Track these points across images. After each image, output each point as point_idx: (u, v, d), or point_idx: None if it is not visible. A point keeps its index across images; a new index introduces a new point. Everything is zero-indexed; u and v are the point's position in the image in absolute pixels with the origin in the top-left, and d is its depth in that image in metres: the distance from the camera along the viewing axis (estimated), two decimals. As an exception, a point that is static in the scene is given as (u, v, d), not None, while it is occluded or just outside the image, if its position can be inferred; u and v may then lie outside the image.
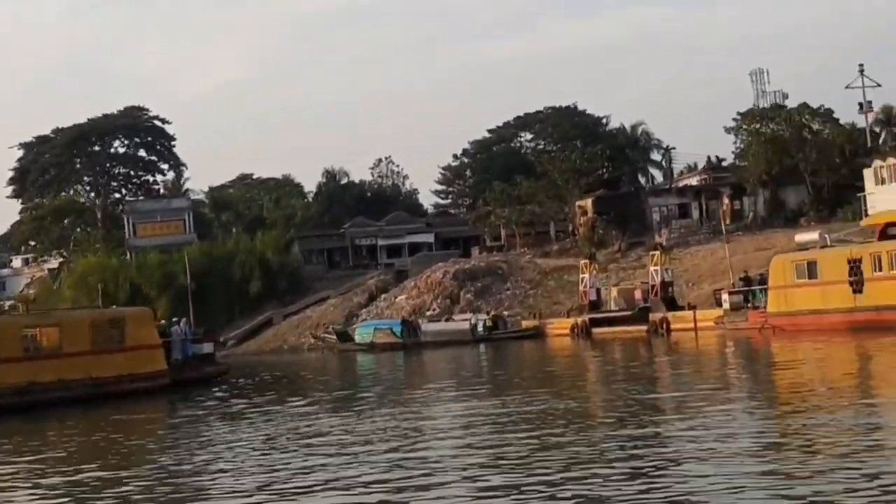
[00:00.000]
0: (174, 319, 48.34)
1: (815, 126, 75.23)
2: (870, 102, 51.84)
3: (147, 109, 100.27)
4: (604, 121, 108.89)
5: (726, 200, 78.00)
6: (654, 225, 77.28)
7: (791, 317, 45.19)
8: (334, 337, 66.78)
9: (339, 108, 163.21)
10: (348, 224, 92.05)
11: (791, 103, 79.03)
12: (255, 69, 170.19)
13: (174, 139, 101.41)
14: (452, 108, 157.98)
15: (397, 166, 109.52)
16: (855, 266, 42.71)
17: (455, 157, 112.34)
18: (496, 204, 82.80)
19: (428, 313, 74.46)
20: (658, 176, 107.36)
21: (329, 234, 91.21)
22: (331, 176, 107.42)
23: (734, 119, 78.80)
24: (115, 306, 54.29)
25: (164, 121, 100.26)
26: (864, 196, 44.88)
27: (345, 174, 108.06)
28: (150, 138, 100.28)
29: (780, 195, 76.17)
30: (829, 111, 74.92)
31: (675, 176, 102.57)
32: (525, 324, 65.44)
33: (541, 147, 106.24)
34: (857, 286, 42.61)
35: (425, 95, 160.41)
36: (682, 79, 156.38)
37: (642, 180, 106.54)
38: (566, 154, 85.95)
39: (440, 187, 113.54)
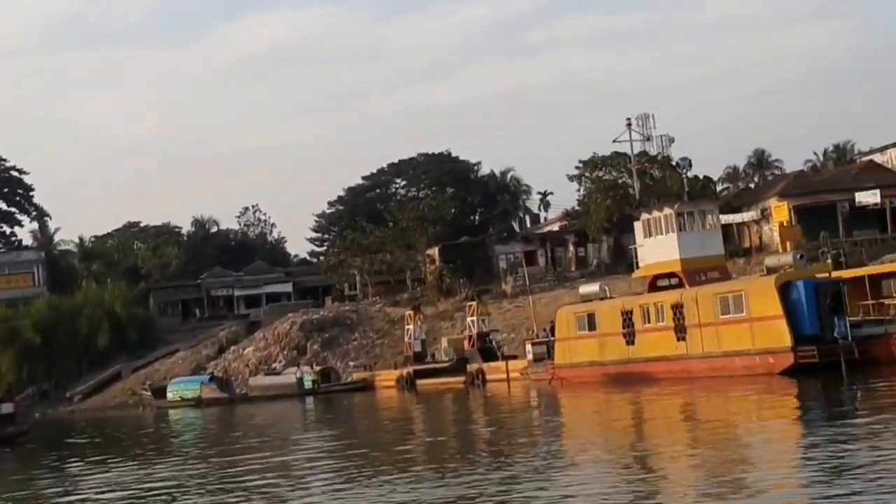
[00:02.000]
0: (-31, 382, 47.51)
1: (656, 173, 76.02)
2: (636, 155, 52.73)
3: (4, 160, 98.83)
4: (475, 167, 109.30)
5: (571, 247, 78.59)
6: (500, 273, 77.48)
7: (574, 368, 45.41)
8: (149, 393, 65.87)
9: (230, 157, 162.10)
10: (206, 274, 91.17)
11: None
12: (159, 120, 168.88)
13: (32, 189, 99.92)
14: (338, 157, 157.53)
15: (264, 214, 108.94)
16: (627, 318, 43.03)
17: (330, 203, 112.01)
18: (348, 253, 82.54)
19: (274, 365, 73.93)
20: (529, 221, 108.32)
21: (185, 285, 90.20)
22: (200, 224, 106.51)
23: (576, 167, 79.49)
24: None
25: (21, 171, 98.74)
26: (636, 248, 45.28)
27: (214, 222, 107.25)
28: (6, 189, 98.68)
29: (623, 241, 76.73)
30: (668, 158, 75.79)
31: (543, 221, 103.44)
32: (356, 376, 65.15)
33: (412, 194, 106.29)
34: (630, 338, 42.91)
35: (312, 144, 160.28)
36: (574, 123, 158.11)
37: (515, 226, 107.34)
38: (414, 202, 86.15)
39: (316, 235, 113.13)
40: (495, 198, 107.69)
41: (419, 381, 59.80)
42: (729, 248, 73.82)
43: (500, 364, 55.45)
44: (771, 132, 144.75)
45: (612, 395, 40.44)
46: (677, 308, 40.73)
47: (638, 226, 44.06)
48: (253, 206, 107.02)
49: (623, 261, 75.91)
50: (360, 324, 77.68)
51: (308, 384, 63.02)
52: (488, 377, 55.75)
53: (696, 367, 39.80)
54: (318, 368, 65.37)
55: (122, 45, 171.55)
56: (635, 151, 66.63)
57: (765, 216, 73.82)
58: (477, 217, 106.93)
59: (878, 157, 79.53)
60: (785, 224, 71.04)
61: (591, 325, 44.62)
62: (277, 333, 77.67)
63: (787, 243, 70.30)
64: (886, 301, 43.12)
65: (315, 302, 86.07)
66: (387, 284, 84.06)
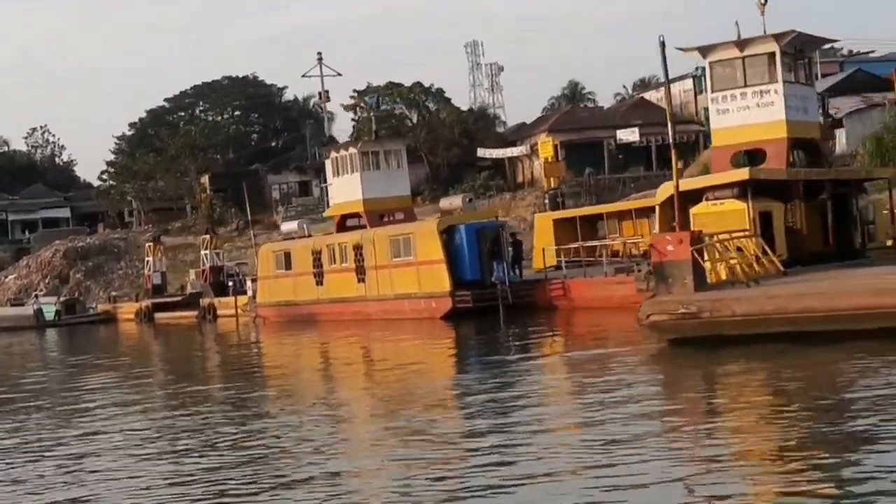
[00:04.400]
0: None
1: (431, 105, 75.43)
2: (327, 91, 52.09)
3: None
4: (280, 92, 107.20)
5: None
6: (272, 203, 76.35)
7: (273, 307, 44.77)
8: None
9: (48, 76, 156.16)
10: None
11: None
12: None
13: None
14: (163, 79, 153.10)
15: (54, 136, 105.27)
16: (317, 258, 42.44)
17: (131, 125, 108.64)
18: (119, 179, 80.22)
19: (35, 294, 71.74)
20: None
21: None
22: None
23: (351, 97, 78.26)
24: None
25: None
26: (326, 187, 44.62)
27: (4, 142, 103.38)
28: None
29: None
30: (441, 91, 75.30)
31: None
32: (100, 308, 63.63)
33: (213, 118, 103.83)
34: (319, 278, 42.35)
35: (135, 67, 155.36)
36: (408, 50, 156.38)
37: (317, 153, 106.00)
38: (186, 129, 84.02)
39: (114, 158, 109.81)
40: (298, 124, 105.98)
41: (157, 315, 58.78)
42: (503, 183, 74.17)
43: (230, 299, 54.60)
44: (592, 66, 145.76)
45: (298, 335, 40.00)
46: (358, 249, 40.23)
47: (328, 164, 43.28)
48: (41, 127, 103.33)
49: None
50: (127, 252, 75.86)
51: (49, 315, 61.18)
52: (219, 312, 54.95)
53: (373, 309, 39.48)
54: (62, 299, 63.45)
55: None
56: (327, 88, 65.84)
57: (534, 151, 73.88)
58: (279, 143, 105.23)
59: (652, 95, 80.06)
60: (549, 160, 71.18)
61: (288, 264, 43.94)
62: (41, 261, 75.43)
63: (551, 179, 70.71)
64: (592, 243, 43.33)
65: (93, 229, 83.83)
66: (168, 212, 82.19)
